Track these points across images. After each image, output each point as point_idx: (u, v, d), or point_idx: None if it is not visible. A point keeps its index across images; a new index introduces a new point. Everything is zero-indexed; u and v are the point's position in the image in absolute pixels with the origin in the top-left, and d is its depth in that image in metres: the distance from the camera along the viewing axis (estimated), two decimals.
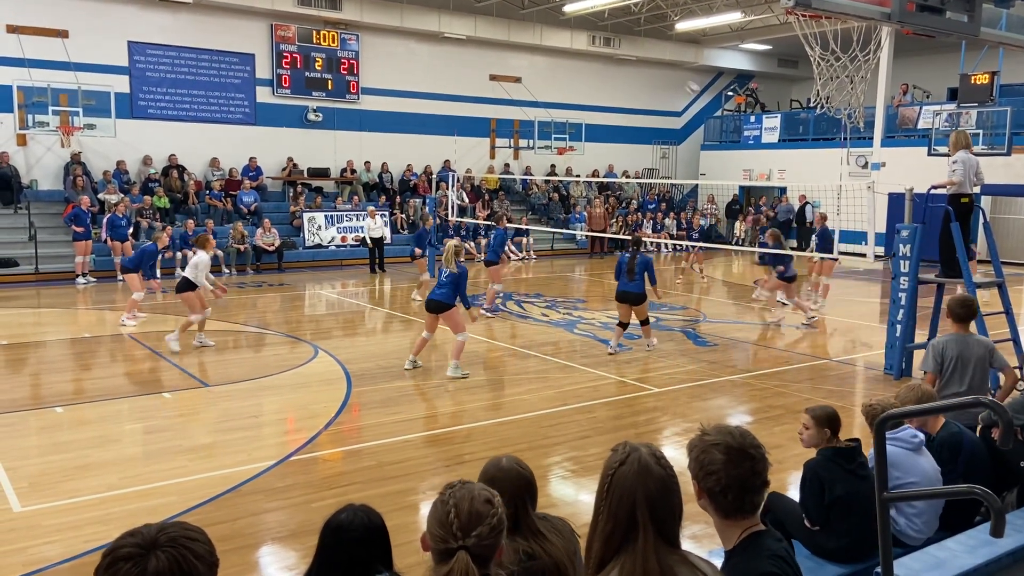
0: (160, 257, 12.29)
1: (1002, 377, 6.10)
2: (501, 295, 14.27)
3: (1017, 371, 6.20)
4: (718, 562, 2.17)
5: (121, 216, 17.18)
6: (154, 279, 12.30)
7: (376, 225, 19.36)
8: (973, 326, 6.28)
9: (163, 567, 1.54)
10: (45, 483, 5.90)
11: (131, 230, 17.49)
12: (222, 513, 5.41)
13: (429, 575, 1.96)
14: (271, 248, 18.93)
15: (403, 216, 22.08)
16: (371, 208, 20.17)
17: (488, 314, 13.10)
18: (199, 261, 10.32)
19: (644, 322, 10.59)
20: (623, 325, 10.51)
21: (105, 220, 17.11)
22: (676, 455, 2.07)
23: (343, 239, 20.64)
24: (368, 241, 19.51)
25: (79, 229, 16.44)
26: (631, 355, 10.47)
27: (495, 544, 1.94)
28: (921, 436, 4.37)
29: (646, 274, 10.20)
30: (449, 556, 1.87)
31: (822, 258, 13.82)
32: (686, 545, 2.01)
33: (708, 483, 2.14)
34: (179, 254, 17.38)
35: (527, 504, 2.59)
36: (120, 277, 16.77)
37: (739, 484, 2.12)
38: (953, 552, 3.72)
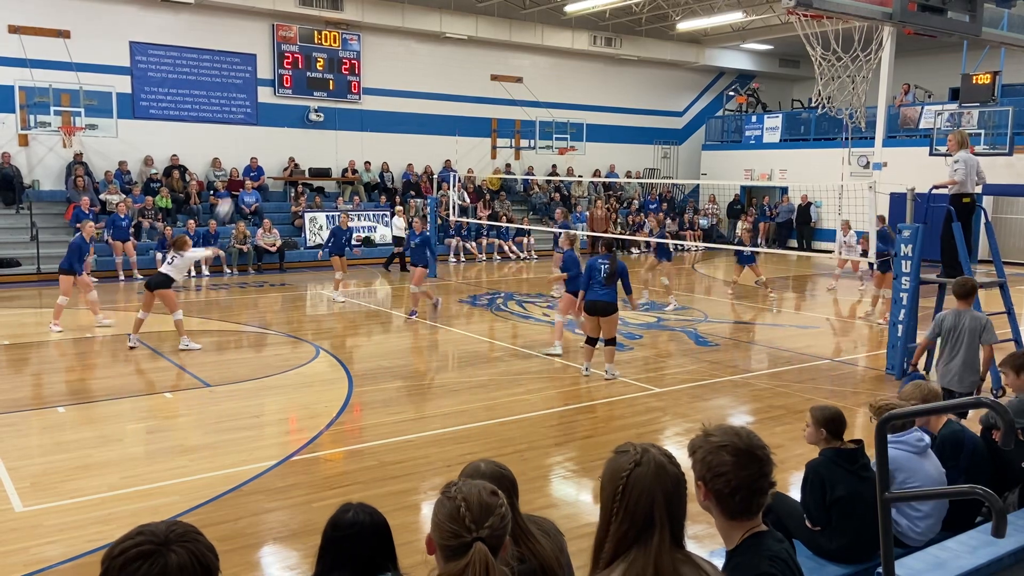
0: (90, 249, 11.96)
1: (984, 351, 6.78)
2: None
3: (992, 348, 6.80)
4: (718, 562, 2.17)
5: (123, 216, 17.19)
6: (83, 274, 11.82)
7: (401, 225, 19.37)
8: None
9: (185, 561, 1.51)
10: (47, 483, 5.91)
11: (133, 230, 17.49)
12: (224, 513, 5.41)
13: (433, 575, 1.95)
14: (272, 248, 18.94)
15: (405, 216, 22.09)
16: (399, 208, 20.28)
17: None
18: (190, 257, 10.53)
19: (611, 341, 9.17)
20: (592, 342, 9.21)
21: (107, 220, 17.12)
22: (678, 455, 2.06)
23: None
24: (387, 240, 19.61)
25: None
26: (631, 355, 10.47)
27: (503, 536, 1.95)
28: (927, 440, 4.35)
29: (620, 282, 9.02)
30: (463, 550, 1.87)
31: (879, 271, 13.15)
32: (687, 545, 2.01)
33: (716, 485, 2.11)
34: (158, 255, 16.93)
35: (515, 505, 2.59)
36: (123, 278, 16.86)
37: (748, 486, 2.10)
38: (954, 552, 3.72)
